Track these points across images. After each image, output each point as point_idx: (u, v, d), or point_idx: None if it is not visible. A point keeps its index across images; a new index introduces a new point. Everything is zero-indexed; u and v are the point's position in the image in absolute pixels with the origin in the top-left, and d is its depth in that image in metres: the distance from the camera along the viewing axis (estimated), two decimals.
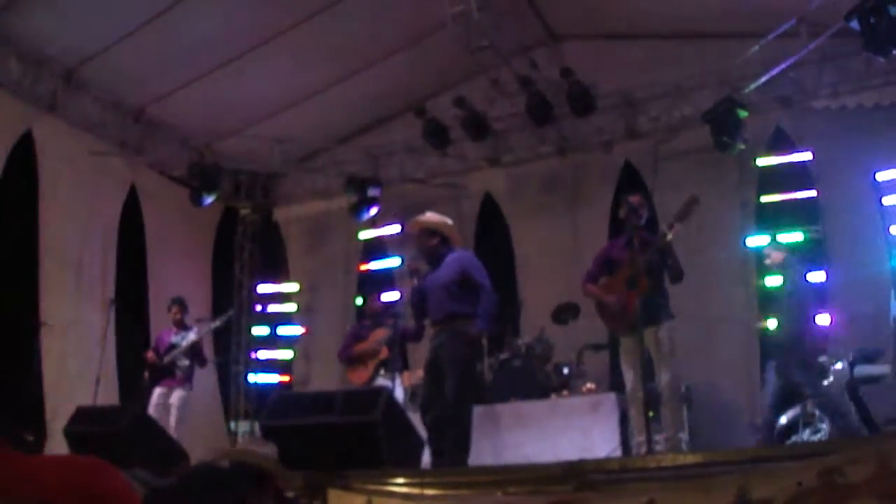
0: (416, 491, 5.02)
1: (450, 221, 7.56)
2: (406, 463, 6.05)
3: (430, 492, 4.96)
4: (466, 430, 6.88)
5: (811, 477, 3.91)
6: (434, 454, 6.95)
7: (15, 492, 1.86)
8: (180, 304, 10.47)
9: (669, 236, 7.03)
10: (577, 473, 4.36)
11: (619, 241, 7.54)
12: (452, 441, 6.80)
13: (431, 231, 7.34)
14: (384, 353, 8.94)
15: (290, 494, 4.90)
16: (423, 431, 6.94)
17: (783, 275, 8.58)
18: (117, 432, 7.83)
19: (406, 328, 8.73)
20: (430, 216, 7.49)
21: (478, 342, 7.52)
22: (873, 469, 3.72)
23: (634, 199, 7.43)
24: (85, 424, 8.28)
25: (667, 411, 7.24)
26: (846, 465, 3.82)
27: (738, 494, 4.01)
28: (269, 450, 4.75)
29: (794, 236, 10.52)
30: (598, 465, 4.57)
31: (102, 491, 2.07)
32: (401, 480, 5.20)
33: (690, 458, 4.59)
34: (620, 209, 7.49)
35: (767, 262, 8.63)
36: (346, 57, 11.43)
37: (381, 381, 9.04)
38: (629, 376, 7.14)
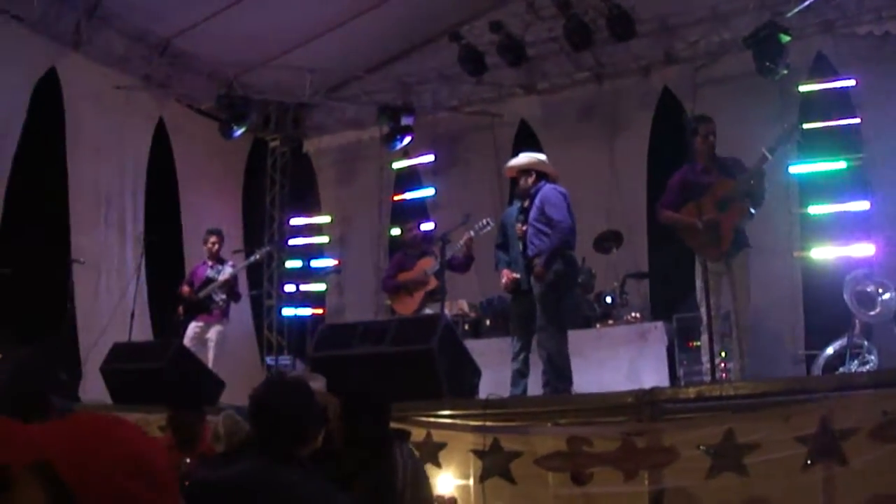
0: (478, 423, 4.93)
1: (542, 157, 7.86)
2: (464, 394, 5.95)
3: (492, 423, 4.87)
4: (568, 359, 7.16)
5: None
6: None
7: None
8: (219, 234, 10.21)
9: (769, 160, 6.90)
10: (650, 402, 4.26)
11: (695, 167, 7.24)
12: (555, 373, 7.02)
13: (525, 171, 7.60)
14: (433, 283, 8.77)
15: None
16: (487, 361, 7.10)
17: None
18: (157, 368, 7.80)
19: (455, 257, 8.62)
20: (523, 157, 7.74)
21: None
22: None
23: (711, 125, 7.27)
24: (122, 361, 8.23)
25: (738, 339, 7.09)
26: None
27: (821, 424, 3.90)
28: (319, 384, 4.66)
29: (837, 164, 10.30)
30: (673, 394, 4.46)
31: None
32: (462, 412, 5.11)
33: (769, 386, 4.46)
34: (694, 135, 7.20)
35: None
36: None
37: (430, 311, 8.90)
38: (711, 300, 6.88)
